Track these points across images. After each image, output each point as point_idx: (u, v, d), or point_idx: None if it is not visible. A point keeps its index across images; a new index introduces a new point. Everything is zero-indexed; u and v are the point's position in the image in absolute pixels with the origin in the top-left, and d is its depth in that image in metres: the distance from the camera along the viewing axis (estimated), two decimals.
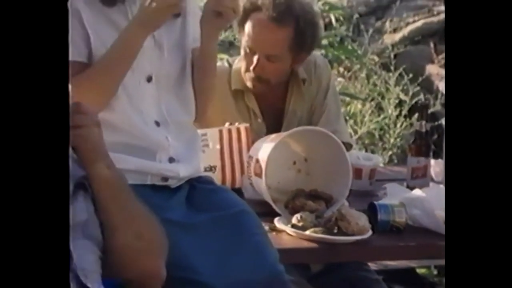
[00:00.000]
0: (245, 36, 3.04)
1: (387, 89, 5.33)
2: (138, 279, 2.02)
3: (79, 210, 1.93)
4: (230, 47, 5.19)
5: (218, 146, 2.77)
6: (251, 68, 3.05)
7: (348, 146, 3.10)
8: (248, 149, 2.78)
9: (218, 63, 3.15)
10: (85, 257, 1.91)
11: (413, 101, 5.25)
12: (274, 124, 3.18)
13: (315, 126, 3.10)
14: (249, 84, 3.09)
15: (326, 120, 3.22)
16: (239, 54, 3.25)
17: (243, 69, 3.09)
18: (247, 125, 2.82)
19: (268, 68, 3.06)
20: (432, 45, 5.82)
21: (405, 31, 5.97)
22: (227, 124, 2.85)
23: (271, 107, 3.21)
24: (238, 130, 2.80)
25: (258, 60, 3.03)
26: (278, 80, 3.13)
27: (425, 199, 2.65)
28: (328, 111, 3.27)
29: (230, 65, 3.20)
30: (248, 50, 3.05)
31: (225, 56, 3.56)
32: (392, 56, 5.60)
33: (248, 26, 3.02)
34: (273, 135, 2.73)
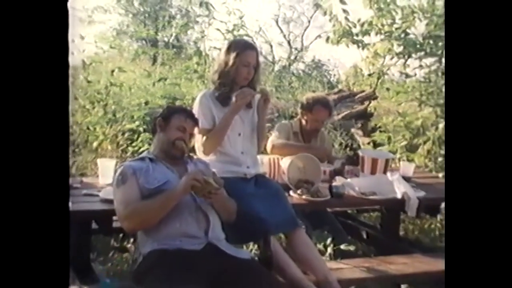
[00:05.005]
0: (313, 115, 2.89)
1: (336, 138, 5.14)
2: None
3: None
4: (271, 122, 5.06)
5: (268, 165, 2.57)
6: (319, 127, 2.95)
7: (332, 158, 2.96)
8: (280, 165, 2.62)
9: (285, 122, 3.09)
10: None
11: (347, 142, 5.07)
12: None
13: (323, 148, 2.96)
14: (312, 130, 2.92)
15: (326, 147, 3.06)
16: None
17: (311, 127, 2.91)
18: (280, 157, 2.62)
19: (322, 125, 2.97)
20: (353, 120, 5.68)
21: (343, 114, 5.78)
22: (272, 156, 2.65)
23: (307, 139, 2.95)
24: (278, 159, 2.61)
25: (320, 122, 2.93)
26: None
27: (352, 183, 2.50)
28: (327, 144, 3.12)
29: (291, 124, 2.99)
30: (316, 121, 2.90)
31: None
32: (338, 124, 5.42)
33: (314, 111, 2.88)
34: (290, 156, 2.57)
